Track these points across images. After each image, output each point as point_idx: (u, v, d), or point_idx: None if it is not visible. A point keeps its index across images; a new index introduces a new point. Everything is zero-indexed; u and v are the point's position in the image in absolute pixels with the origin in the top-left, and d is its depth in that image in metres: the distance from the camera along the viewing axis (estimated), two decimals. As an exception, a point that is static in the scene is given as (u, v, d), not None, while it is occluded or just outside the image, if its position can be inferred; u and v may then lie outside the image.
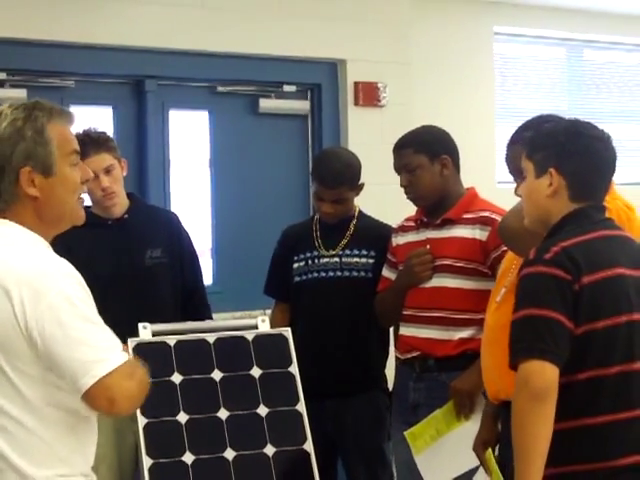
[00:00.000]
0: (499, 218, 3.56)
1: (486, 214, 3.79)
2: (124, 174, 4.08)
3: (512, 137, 3.30)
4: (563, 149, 2.79)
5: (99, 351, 2.23)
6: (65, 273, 2.28)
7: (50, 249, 2.38)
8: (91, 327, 2.25)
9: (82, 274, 2.35)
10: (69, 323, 2.21)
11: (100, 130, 4.08)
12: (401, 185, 3.93)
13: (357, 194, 4.23)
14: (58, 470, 2.28)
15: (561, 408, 2.63)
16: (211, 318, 4.15)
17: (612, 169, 2.88)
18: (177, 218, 4.23)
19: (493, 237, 3.67)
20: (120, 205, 4.02)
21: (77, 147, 2.42)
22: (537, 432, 2.60)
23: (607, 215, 2.88)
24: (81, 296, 2.27)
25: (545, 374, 2.61)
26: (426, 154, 3.86)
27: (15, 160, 2.31)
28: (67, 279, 2.26)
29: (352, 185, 4.16)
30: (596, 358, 2.68)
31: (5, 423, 2.24)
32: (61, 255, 2.37)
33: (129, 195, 4.12)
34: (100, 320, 2.29)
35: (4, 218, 2.35)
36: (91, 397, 2.23)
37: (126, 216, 4.03)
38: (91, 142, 3.94)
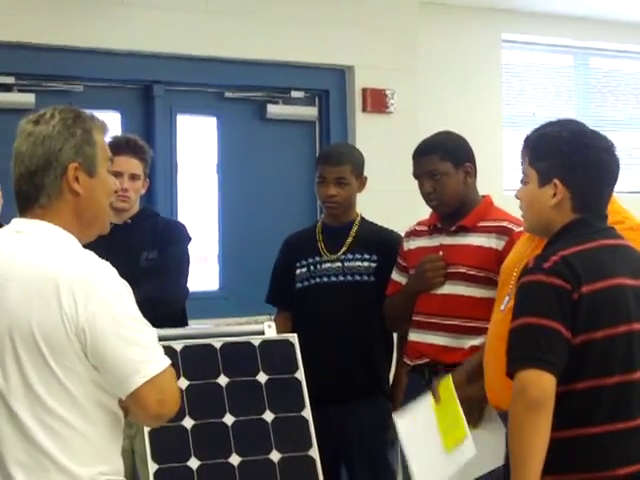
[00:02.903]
0: (516, 228, 3.59)
1: (504, 224, 3.76)
2: (143, 191, 4.11)
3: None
4: (568, 160, 2.77)
5: (149, 351, 2.26)
6: (112, 274, 2.32)
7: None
8: (140, 326, 2.29)
9: None
10: (120, 322, 2.25)
11: (141, 142, 4.10)
12: (424, 191, 3.86)
13: (359, 187, 4.18)
14: (100, 468, 2.31)
15: (559, 417, 2.62)
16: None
17: (616, 178, 2.86)
18: (182, 227, 4.19)
19: (509, 247, 3.66)
20: (127, 212, 4.04)
21: (111, 155, 2.49)
22: (533, 441, 2.59)
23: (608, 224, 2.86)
24: (128, 297, 2.32)
25: (542, 383, 2.60)
26: (452, 161, 3.82)
27: (64, 155, 2.35)
28: (114, 279, 2.32)
29: (355, 167, 4.13)
30: (595, 368, 2.67)
31: (52, 422, 2.26)
32: None
33: (141, 208, 4.14)
34: (145, 320, 2.32)
35: (42, 218, 2.37)
36: (140, 397, 2.24)
37: (129, 221, 4.05)
38: (128, 146, 4.00)
